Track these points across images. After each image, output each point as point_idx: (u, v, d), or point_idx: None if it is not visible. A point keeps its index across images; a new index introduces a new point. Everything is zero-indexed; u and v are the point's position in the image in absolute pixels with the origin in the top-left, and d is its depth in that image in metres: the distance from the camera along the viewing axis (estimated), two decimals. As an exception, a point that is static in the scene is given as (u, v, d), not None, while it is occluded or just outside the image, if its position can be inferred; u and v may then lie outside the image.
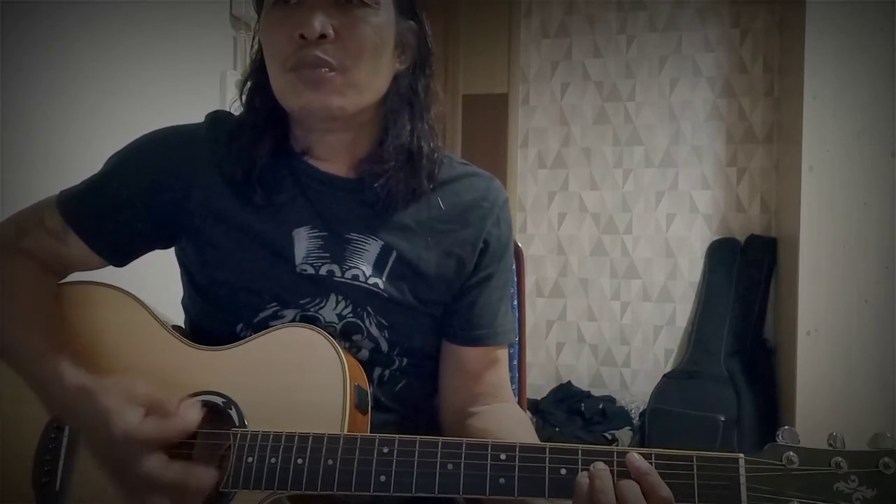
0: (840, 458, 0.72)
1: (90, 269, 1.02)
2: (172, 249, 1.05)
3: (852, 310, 2.48)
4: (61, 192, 1.02)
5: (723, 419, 2.71)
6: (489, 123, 3.34)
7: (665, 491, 0.74)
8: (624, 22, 3.21)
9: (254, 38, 0.99)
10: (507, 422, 1.01)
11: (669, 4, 3.15)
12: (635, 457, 0.76)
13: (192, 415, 0.85)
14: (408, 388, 1.02)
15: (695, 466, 0.75)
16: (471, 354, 1.04)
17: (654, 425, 2.88)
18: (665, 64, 3.16)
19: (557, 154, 3.29)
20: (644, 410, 2.99)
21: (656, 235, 3.18)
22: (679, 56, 3.15)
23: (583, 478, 0.76)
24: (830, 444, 0.74)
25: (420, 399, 1.04)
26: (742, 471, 0.74)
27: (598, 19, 3.23)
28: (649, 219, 3.19)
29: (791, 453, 0.73)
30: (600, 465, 0.76)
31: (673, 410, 2.85)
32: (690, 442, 2.64)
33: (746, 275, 2.98)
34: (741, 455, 0.75)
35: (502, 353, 1.07)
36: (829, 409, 2.47)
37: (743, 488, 0.74)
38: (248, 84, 1.00)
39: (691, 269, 3.13)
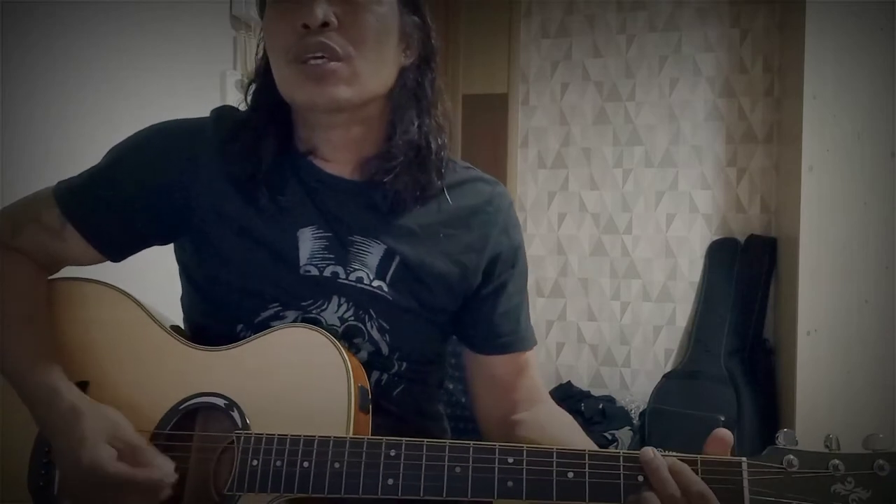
0: (837, 461, 0.74)
1: (85, 265, 1.00)
2: (171, 247, 1.04)
3: (852, 310, 2.48)
4: (59, 183, 0.99)
5: (723, 419, 2.71)
6: (489, 123, 3.33)
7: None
8: (624, 22, 3.20)
9: (258, 44, 0.98)
10: (552, 428, 1.00)
11: (669, 4, 3.15)
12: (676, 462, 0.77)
13: (164, 470, 0.84)
14: (406, 393, 1.00)
15: (699, 470, 0.76)
16: (500, 363, 1.04)
17: (654, 425, 2.88)
18: (665, 64, 3.16)
19: (557, 154, 3.29)
20: (644, 410, 2.99)
21: (656, 235, 3.18)
22: (679, 56, 3.14)
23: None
24: (827, 446, 0.76)
25: (417, 403, 1.03)
26: (745, 474, 0.75)
27: (598, 19, 3.23)
28: (649, 219, 3.19)
29: (791, 456, 0.75)
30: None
31: (673, 410, 2.85)
32: (690, 442, 2.61)
33: (746, 275, 2.97)
34: (744, 459, 0.76)
35: (530, 356, 1.06)
36: (829, 409, 2.47)
37: (746, 491, 0.75)
38: (253, 86, 0.99)
39: (691, 269, 3.13)
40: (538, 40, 3.30)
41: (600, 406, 3.03)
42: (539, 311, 3.28)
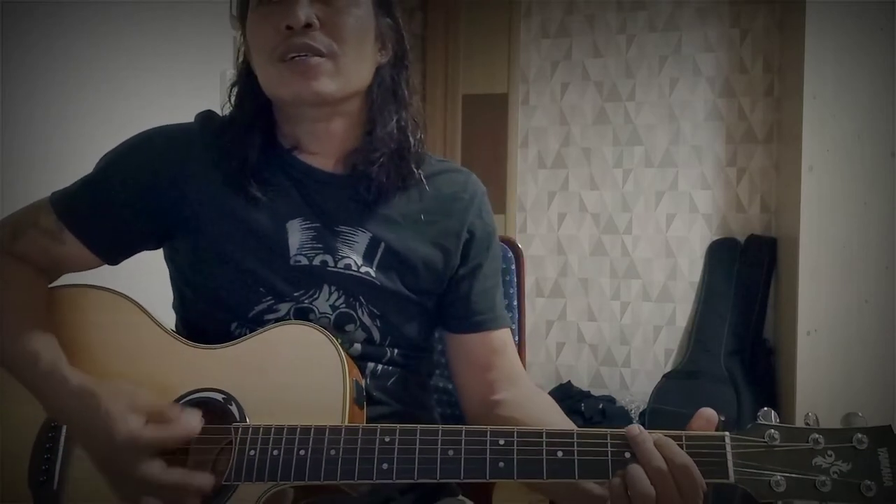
0: (818, 435, 0.77)
1: (83, 269, 1.03)
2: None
3: (852, 310, 2.48)
4: (54, 192, 1.03)
5: (723, 419, 2.68)
6: (489, 123, 3.33)
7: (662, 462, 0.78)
8: (624, 22, 3.20)
9: (239, 49, 1.04)
10: (533, 409, 1.04)
11: (669, 4, 3.15)
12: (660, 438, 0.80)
13: (193, 422, 0.86)
14: (400, 381, 1.04)
15: (684, 446, 0.80)
16: (476, 342, 1.08)
17: (654, 425, 2.87)
18: (665, 64, 3.16)
19: (557, 154, 3.29)
20: (644, 410, 2.99)
21: (656, 235, 3.18)
22: (679, 56, 3.15)
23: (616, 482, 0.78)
24: (807, 423, 0.79)
25: (411, 392, 1.06)
26: (728, 448, 0.79)
27: (598, 19, 3.23)
28: (649, 219, 3.19)
29: (773, 431, 0.78)
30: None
31: (673, 410, 2.85)
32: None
33: (746, 275, 2.98)
34: (727, 433, 0.80)
35: (507, 338, 1.10)
36: (830, 409, 2.47)
37: (730, 464, 0.78)
38: (236, 88, 1.03)
39: (691, 269, 3.13)
40: (538, 40, 3.30)
41: (600, 406, 3.03)
42: (539, 311, 3.29)
